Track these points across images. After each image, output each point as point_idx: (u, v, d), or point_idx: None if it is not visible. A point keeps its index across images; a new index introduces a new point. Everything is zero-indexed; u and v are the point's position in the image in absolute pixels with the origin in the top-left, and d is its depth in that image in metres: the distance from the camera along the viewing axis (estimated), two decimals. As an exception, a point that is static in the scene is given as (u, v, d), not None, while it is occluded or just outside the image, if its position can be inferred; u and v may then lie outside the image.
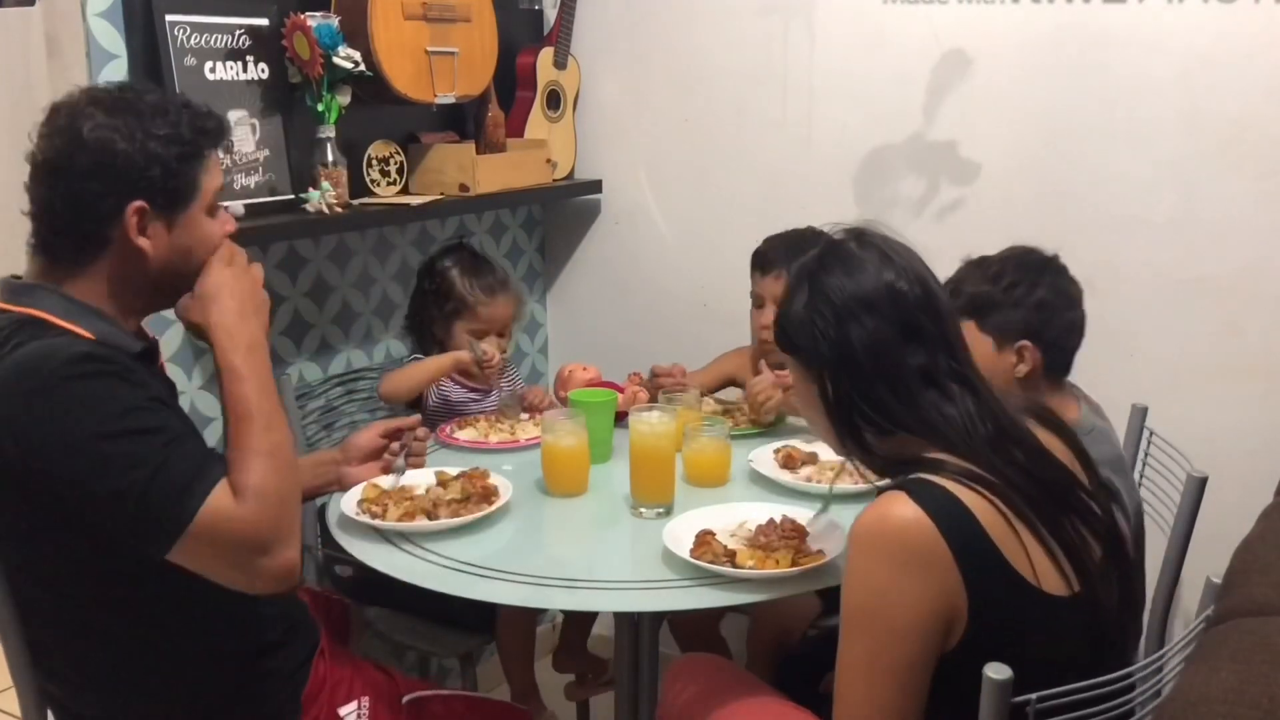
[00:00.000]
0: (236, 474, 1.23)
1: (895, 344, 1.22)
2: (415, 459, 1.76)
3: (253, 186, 1.97)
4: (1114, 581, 1.21)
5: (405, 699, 1.56)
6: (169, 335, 1.95)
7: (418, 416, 1.79)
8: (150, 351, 1.37)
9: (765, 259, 2.12)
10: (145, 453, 1.18)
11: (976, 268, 1.68)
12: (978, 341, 1.62)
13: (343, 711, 1.49)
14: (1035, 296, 1.63)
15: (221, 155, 1.36)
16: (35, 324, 1.25)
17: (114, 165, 1.25)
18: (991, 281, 1.65)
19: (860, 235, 1.29)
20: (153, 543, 1.19)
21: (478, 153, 2.27)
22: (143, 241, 1.28)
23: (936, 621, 1.12)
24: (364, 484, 1.70)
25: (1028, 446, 1.23)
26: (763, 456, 1.84)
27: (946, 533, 1.11)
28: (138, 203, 1.27)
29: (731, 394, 2.28)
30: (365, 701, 1.52)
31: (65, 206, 1.27)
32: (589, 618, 2.32)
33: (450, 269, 2.16)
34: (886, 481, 1.23)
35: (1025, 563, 1.14)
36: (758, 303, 2.15)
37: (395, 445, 1.75)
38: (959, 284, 1.67)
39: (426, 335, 2.18)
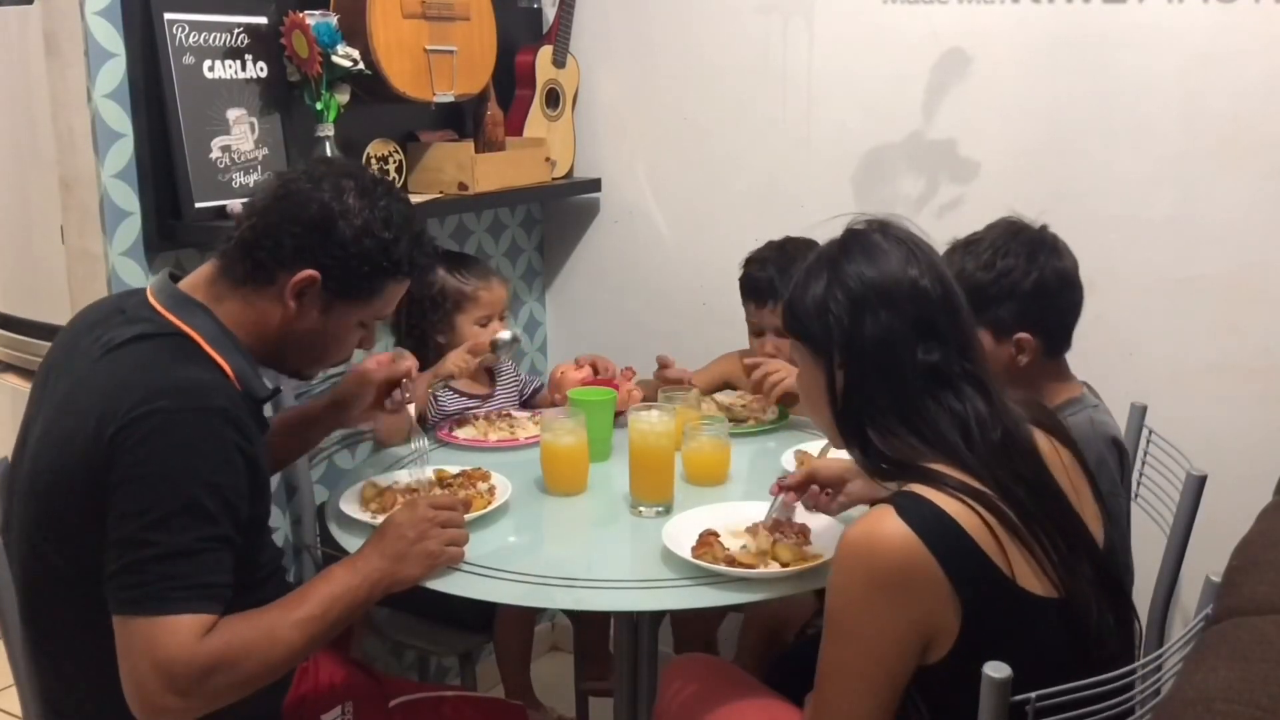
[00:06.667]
0: (237, 626, 1.24)
1: (908, 340, 1.20)
2: (408, 400, 1.73)
3: (251, 185, 1.96)
4: (1097, 590, 1.20)
5: (393, 703, 1.56)
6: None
7: (410, 363, 1.73)
8: (271, 397, 1.41)
9: (757, 289, 2.10)
10: (184, 532, 1.21)
11: (965, 254, 1.64)
12: None
13: (325, 718, 1.49)
14: (1029, 284, 1.59)
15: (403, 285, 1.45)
16: (187, 342, 1.31)
17: (325, 233, 1.34)
18: (983, 271, 1.61)
19: (885, 227, 1.27)
20: (110, 594, 1.21)
21: (476, 151, 2.27)
22: (293, 303, 1.35)
23: (911, 641, 1.12)
24: (363, 483, 1.71)
25: (1029, 457, 1.22)
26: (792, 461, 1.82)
27: (935, 548, 1.10)
28: (313, 272, 1.34)
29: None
30: (349, 707, 1.52)
31: (263, 232, 1.34)
32: (604, 622, 2.30)
33: (434, 270, 2.14)
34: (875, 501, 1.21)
35: (1008, 567, 1.13)
36: (756, 331, 2.15)
37: (396, 394, 1.71)
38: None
39: (428, 345, 2.16)
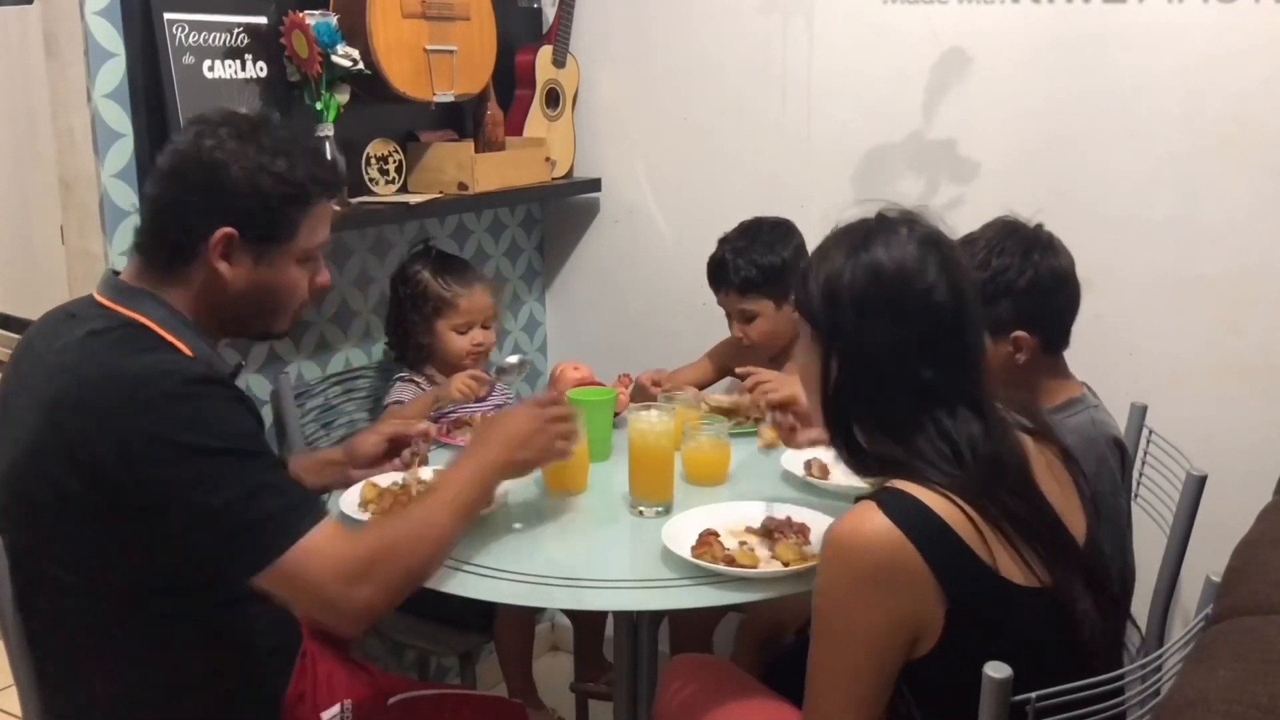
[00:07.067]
0: (381, 521, 1.40)
1: (909, 354, 1.19)
2: (419, 460, 1.78)
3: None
4: (1082, 583, 1.20)
5: (391, 700, 1.56)
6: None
7: (426, 426, 1.80)
8: (235, 374, 1.42)
9: (711, 272, 2.13)
10: (248, 474, 1.23)
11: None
12: None
13: (325, 716, 1.49)
14: (1024, 282, 1.60)
15: (335, 207, 1.44)
16: (141, 330, 1.30)
17: (220, 188, 1.31)
18: (979, 269, 1.60)
19: (913, 223, 1.24)
20: (234, 572, 1.24)
21: (476, 151, 2.27)
22: (222, 266, 1.33)
23: (898, 636, 1.13)
24: (363, 483, 1.70)
25: (1018, 471, 1.21)
26: (793, 461, 1.82)
27: (920, 543, 1.11)
28: (228, 229, 1.31)
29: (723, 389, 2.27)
30: (348, 704, 1.52)
31: (165, 213, 1.33)
32: (600, 624, 2.30)
33: (421, 271, 2.16)
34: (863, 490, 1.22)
35: (991, 559, 1.14)
36: (725, 313, 2.17)
37: (406, 453, 1.77)
38: None
39: (410, 344, 2.17)
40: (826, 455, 1.81)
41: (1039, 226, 1.66)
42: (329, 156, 1.94)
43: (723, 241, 2.14)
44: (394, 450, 1.77)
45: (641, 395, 2.10)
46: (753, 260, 2.07)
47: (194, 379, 1.25)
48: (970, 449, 1.18)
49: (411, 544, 1.31)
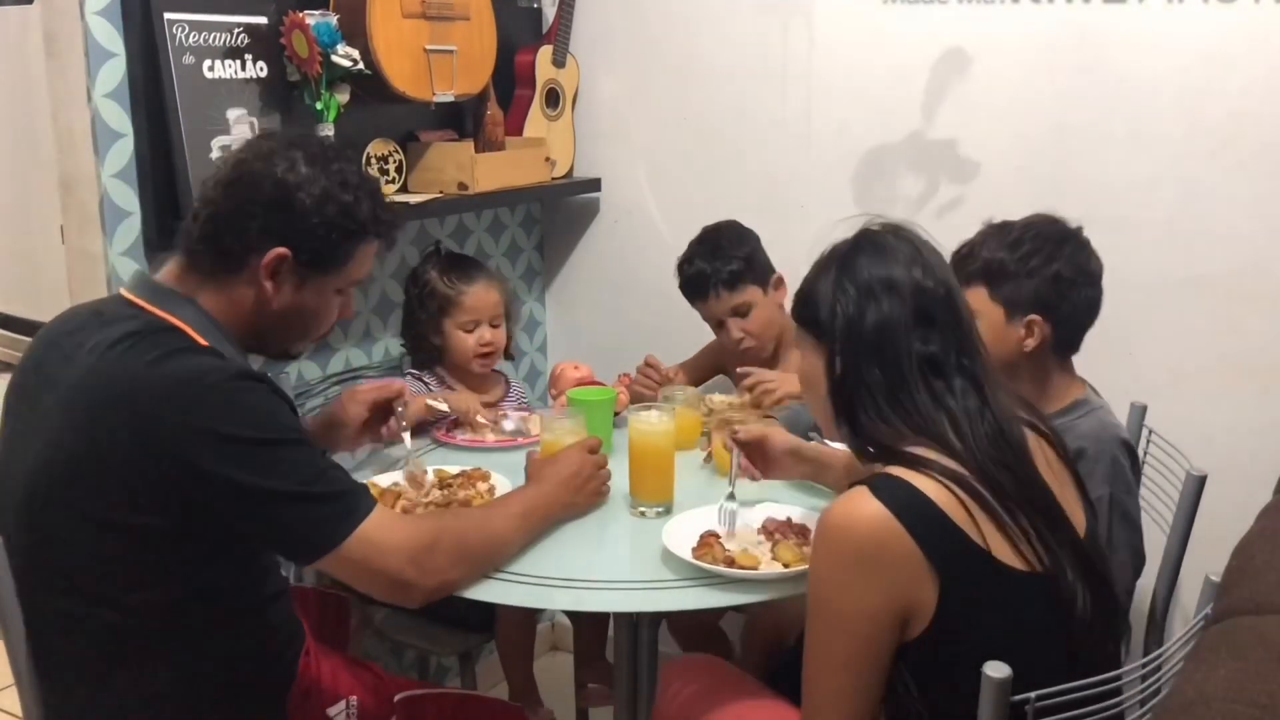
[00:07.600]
0: (441, 513, 1.51)
1: (907, 328, 1.24)
2: (404, 428, 1.81)
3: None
4: (1078, 572, 1.21)
5: (396, 698, 1.56)
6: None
7: (402, 383, 1.80)
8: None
9: (693, 286, 2.13)
10: (305, 462, 1.27)
11: (996, 233, 1.66)
12: (987, 309, 1.63)
13: (330, 712, 1.50)
14: (1051, 269, 1.61)
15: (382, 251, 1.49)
16: (175, 333, 1.30)
17: (286, 209, 1.33)
18: (1009, 249, 1.63)
19: (897, 230, 1.32)
20: (304, 551, 1.29)
21: (476, 151, 2.27)
22: (269, 284, 1.34)
23: (890, 618, 1.15)
24: (364, 484, 1.70)
25: (1017, 451, 1.24)
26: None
27: (909, 524, 1.13)
28: (283, 250, 1.33)
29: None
30: (353, 701, 1.53)
31: (224, 219, 1.34)
32: (601, 626, 2.30)
33: (429, 271, 2.16)
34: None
35: (983, 541, 1.16)
36: (715, 324, 2.15)
37: (392, 423, 1.79)
38: (975, 247, 1.66)
39: (422, 344, 2.18)
40: None
41: (1080, 228, 1.67)
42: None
43: (688, 261, 2.14)
44: (378, 417, 1.79)
45: (646, 381, 2.11)
46: (730, 255, 2.09)
47: (237, 374, 1.26)
48: (968, 419, 1.22)
49: (476, 535, 1.42)
